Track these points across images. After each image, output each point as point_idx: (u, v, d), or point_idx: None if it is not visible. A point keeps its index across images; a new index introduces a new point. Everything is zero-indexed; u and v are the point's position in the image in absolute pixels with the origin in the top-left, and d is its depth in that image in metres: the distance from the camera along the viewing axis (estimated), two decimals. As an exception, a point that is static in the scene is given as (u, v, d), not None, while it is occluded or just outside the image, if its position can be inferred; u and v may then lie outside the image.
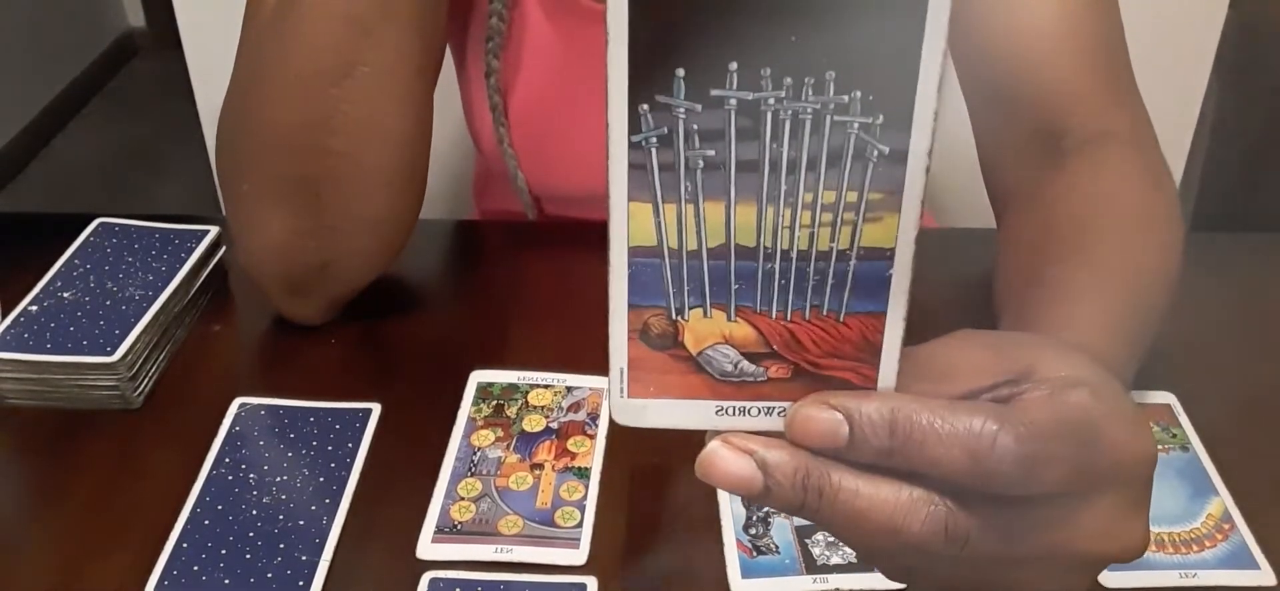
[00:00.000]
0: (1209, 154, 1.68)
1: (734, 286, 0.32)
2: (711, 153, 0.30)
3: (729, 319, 0.33)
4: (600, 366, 0.68)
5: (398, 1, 0.60)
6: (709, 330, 0.33)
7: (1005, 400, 0.34)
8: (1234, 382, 0.65)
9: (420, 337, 0.70)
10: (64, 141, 2.88)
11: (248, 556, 0.53)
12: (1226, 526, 0.55)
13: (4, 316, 0.64)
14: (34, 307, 0.65)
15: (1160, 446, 0.59)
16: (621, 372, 0.34)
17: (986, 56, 0.65)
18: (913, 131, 0.30)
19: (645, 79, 0.29)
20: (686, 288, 0.32)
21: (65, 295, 0.66)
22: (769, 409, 0.34)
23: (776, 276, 0.32)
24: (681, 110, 0.30)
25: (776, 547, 0.53)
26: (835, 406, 0.33)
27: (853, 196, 0.31)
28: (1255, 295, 0.74)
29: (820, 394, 0.33)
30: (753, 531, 0.54)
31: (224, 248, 0.72)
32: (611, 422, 0.60)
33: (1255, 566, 0.53)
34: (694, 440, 0.60)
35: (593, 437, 0.60)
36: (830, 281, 0.32)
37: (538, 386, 0.63)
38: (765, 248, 0.32)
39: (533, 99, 0.77)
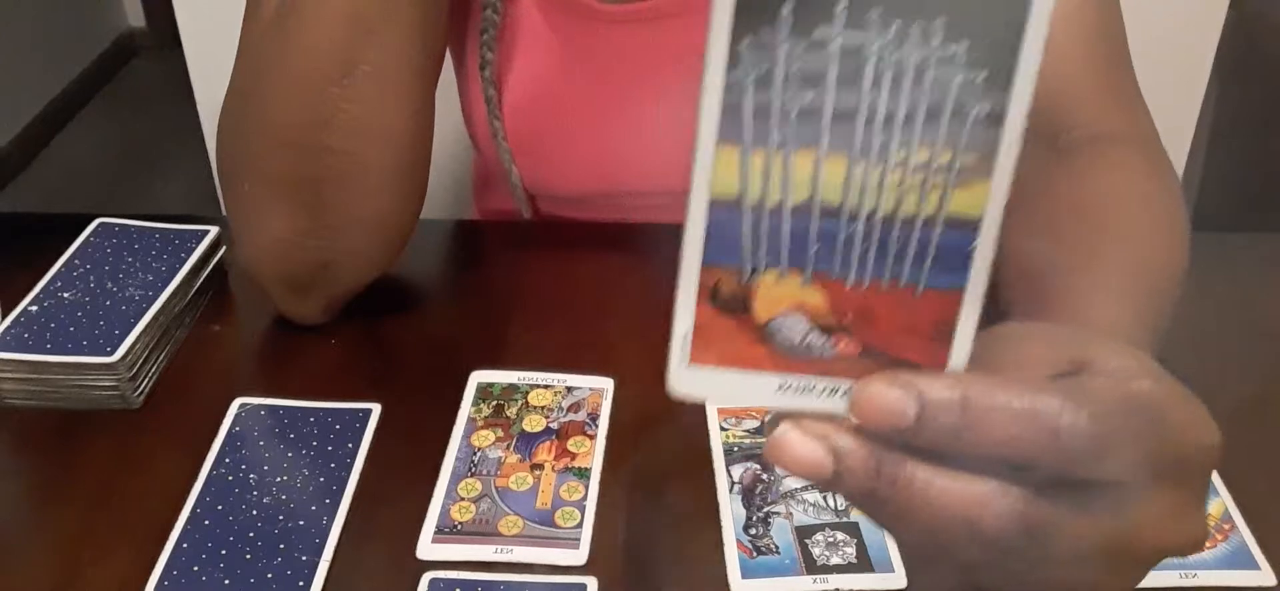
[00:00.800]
0: (1209, 154, 1.68)
1: (813, 248, 0.31)
2: (809, 97, 0.29)
3: (804, 283, 0.32)
4: (600, 367, 0.69)
5: (399, 1, 0.60)
6: (782, 294, 0.32)
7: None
8: (1234, 382, 0.65)
9: (420, 337, 0.70)
10: (64, 141, 2.88)
11: (248, 556, 0.53)
12: (1226, 526, 0.55)
13: (4, 316, 0.64)
14: (34, 307, 0.65)
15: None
16: (686, 337, 0.32)
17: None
18: (1014, 91, 0.29)
19: (752, 11, 0.28)
20: (764, 245, 0.31)
21: (65, 295, 0.66)
22: (834, 388, 0.33)
23: (858, 240, 0.31)
24: (784, 47, 0.28)
25: (776, 548, 0.53)
26: (904, 384, 0.32)
27: (946, 156, 0.30)
28: (1255, 295, 0.74)
29: (888, 372, 0.32)
30: (753, 531, 0.54)
31: (224, 248, 0.72)
32: (611, 423, 0.60)
33: (1255, 566, 0.53)
34: (694, 443, 0.60)
35: (593, 438, 0.60)
36: (913, 250, 0.31)
37: (538, 386, 0.63)
38: (851, 207, 0.31)
39: (527, 95, 0.77)
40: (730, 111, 0.29)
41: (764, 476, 0.57)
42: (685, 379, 0.33)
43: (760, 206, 0.31)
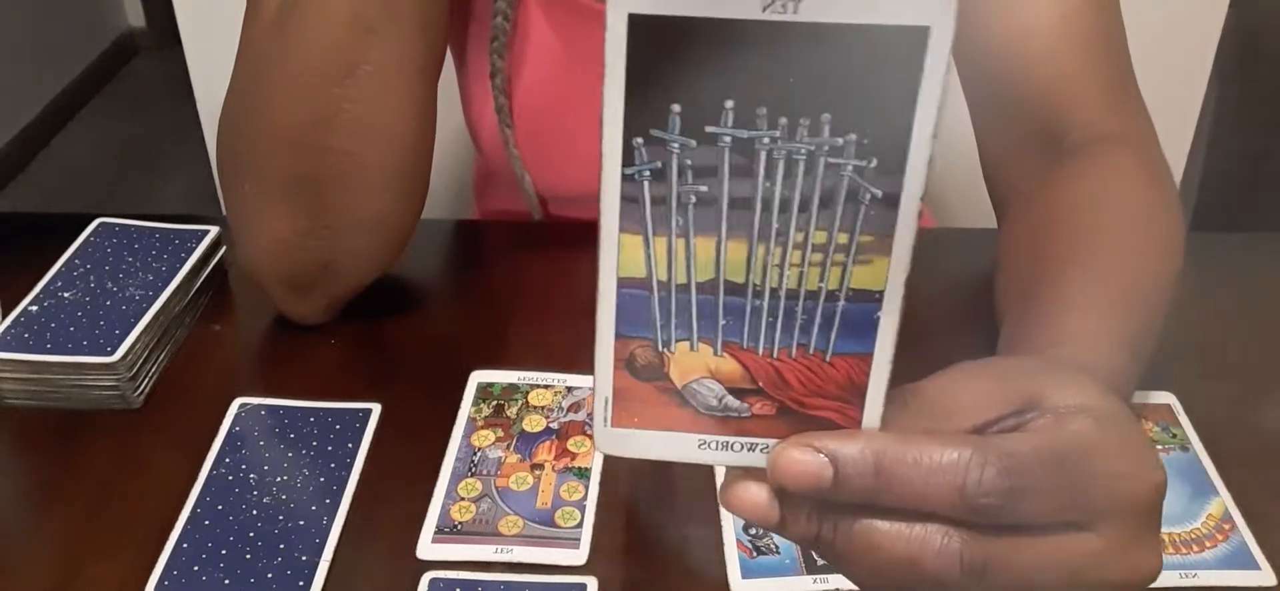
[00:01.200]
0: (1209, 154, 1.68)
1: (721, 322, 0.33)
2: (704, 188, 0.30)
3: (715, 353, 0.33)
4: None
5: (401, 1, 0.60)
6: (695, 363, 0.33)
7: (1010, 431, 0.34)
8: (1234, 382, 0.65)
9: (420, 337, 0.70)
10: (64, 141, 2.88)
11: (248, 556, 0.53)
12: (1226, 526, 0.55)
13: (4, 316, 0.64)
14: (34, 307, 0.65)
15: (1160, 446, 0.59)
16: (606, 402, 0.34)
17: (988, 57, 0.65)
18: (906, 176, 0.30)
19: (641, 112, 0.29)
20: (674, 320, 0.33)
21: (65, 295, 0.66)
22: (752, 445, 0.34)
23: (764, 314, 0.32)
24: (676, 145, 0.30)
25: (776, 548, 0.53)
26: (819, 448, 0.33)
27: (844, 238, 0.31)
28: (1255, 295, 0.74)
29: (804, 435, 0.33)
30: (753, 531, 0.54)
31: (224, 248, 0.72)
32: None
33: (1255, 566, 0.53)
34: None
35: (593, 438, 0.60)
36: (818, 321, 0.32)
37: (538, 386, 0.63)
38: (754, 285, 0.32)
39: (535, 98, 0.77)
40: (629, 202, 0.31)
41: None
42: (609, 439, 0.35)
43: (668, 285, 0.32)
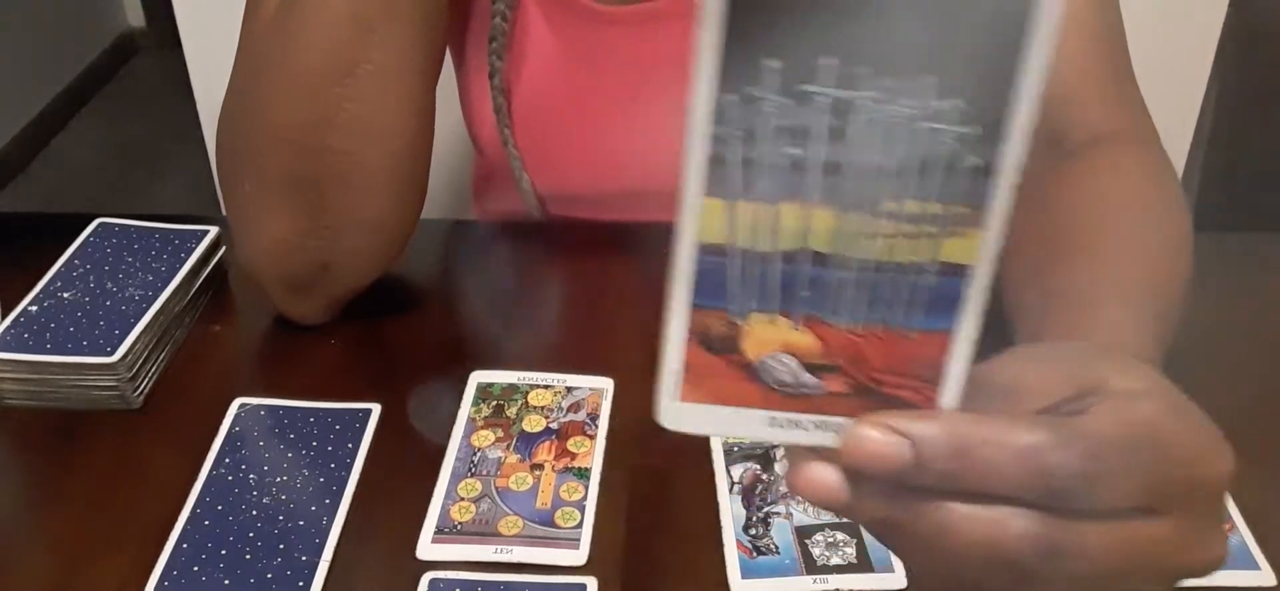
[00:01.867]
0: (1209, 154, 1.68)
1: (803, 294, 0.31)
2: (796, 151, 0.29)
3: (794, 327, 0.32)
4: (600, 367, 0.69)
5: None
6: (771, 336, 0.32)
7: (1075, 415, 0.34)
8: (1234, 383, 0.65)
9: (420, 337, 0.70)
10: (64, 141, 2.88)
11: (248, 556, 0.53)
12: (1227, 526, 0.55)
13: (4, 316, 0.64)
14: (34, 308, 0.65)
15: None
16: (675, 374, 0.32)
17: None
18: (1007, 145, 0.29)
19: (736, 67, 0.28)
20: (753, 290, 0.31)
21: (65, 295, 0.66)
22: (824, 424, 0.33)
23: (849, 286, 0.31)
24: (770, 104, 0.28)
25: (776, 548, 0.53)
26: (897, 428, 0.31)
27: (938, 209, 0.30)
28: (1255, 295, 0.74)
29: (878, 414, 0.32)
30: (753, 531, 0.54)
31: (224, 248, 0.72)
32: (611, 423, 0.60)
33: (1255, 566, 0.53)
34: (694, 443, 0.60)
35: (593, 438, 0.60)
36: (903, 295, 0.31)
37: (538, 386, 0.63)
38: (840, 255, 0.30)
39: (535, 99, 0.77)
40: (717, 164, 0.29)
41: (764, 476, 0.57)
42: (674, 414, 0.33)
43: (749, 254, 0.31)
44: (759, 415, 0.33)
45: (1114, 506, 0.33)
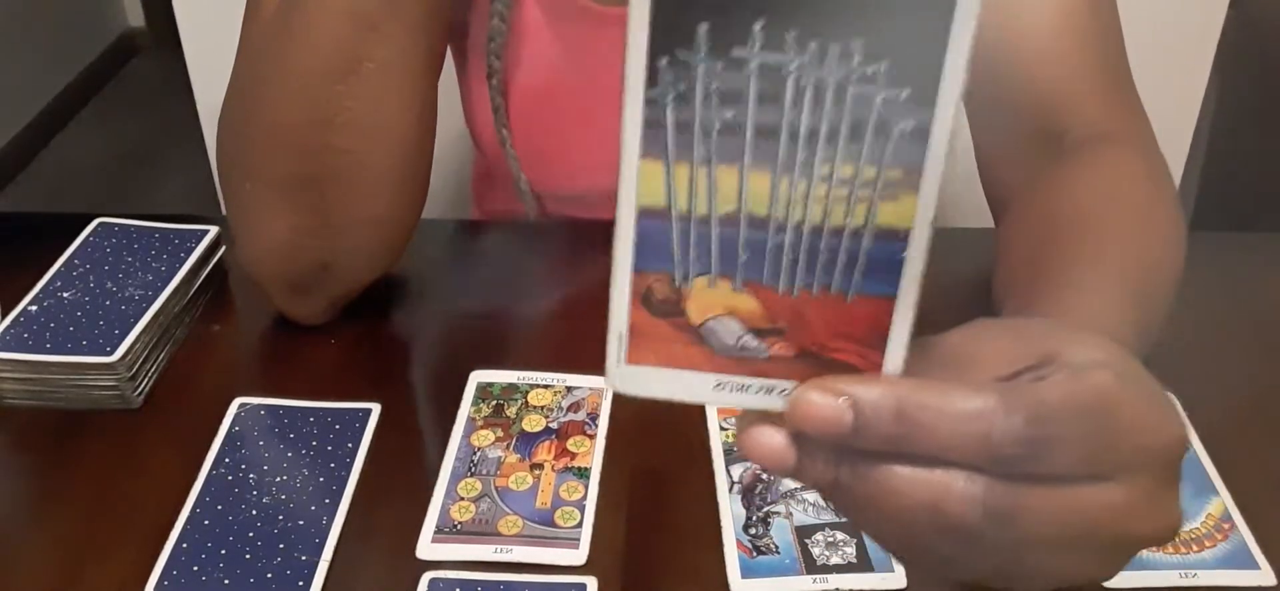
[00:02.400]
0: (1209, 154, 1.68)
1: (742, 257, 0.32)
2: (729, 115, 0.29)
3: (735, 289, 0.32)
4: (600, 367, 0.68)
5: None
6: (713, 300, 0.32)
7: (1026, 384, 0.34)
8: (1234, 383, 0.65)
9: (420, 337, 0.70)
10: (64, 141, 2.88)
11: (248, 556, 0.53)
12: (1226, 526, 0.55)
13: (4, 316, 0.64)
14: (34, 307, 0.65)
15: (1160, 446, 0.59)
16: (620, 337, 0.33)
17: (985, 58, 0.64)
18: (937, 108, 0.29)
19: (667, 31, 0.28)
20: (693, 254, 0.32)
21: (65, 295, 0.66)
22: (769, 387, 0.33)
23: (786, 249, 0.31)
24: (701, 67, 0.29)
25: (776, 548, 0.53)
26: (839, 391, 0.32)
27: (871, 172, 0.30)
28: (1255, 295, 0.74)
29: (823, 379, 0.32)
30: (753, 531, 0.54)
31: (224, 248, 0.72)
32: (611, 422, 0.60)
33: (1255, 566, 0.53)
34: (694, 443, 0.60)
35: (593, 437, 0.60)
36: (841, 260, 0.31)
37: (538, 386, 0.63)
38: (777, 218, 0.31)
39: (533, 99, 0.77)
40: (652, 126, 0.30)
41: (763, 476, 0.57)
42: (623, 376, 0.34)
43: (688, 217, 0.31)
44: (706, 379, 0.34)
45: (1061, 472, 0.33)
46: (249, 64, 0.64)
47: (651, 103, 0.29)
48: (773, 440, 0.33)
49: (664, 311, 0.33)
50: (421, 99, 0.64)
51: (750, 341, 0.33)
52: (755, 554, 0.53)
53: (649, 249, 0.32)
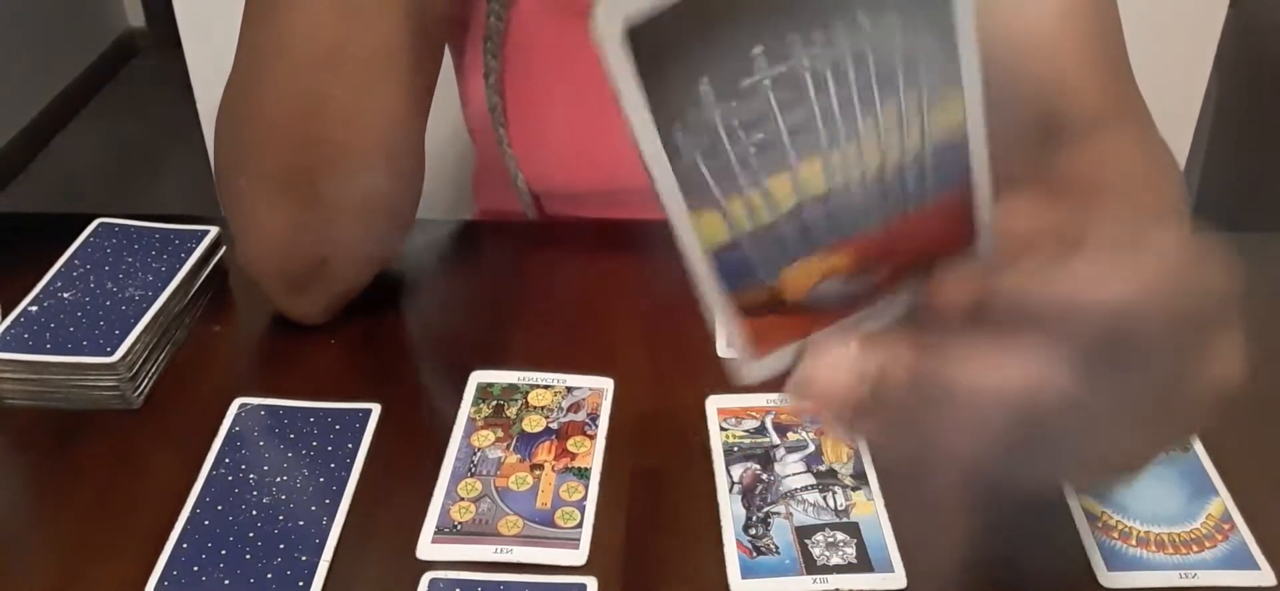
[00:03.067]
0: (1209, 154, 1.68)
1: (818, 233, 0.32)
2: (760, 136, 0.29)
3: (824, 258, 0.33)
4: (600, 367, 0.69)
5: None
6: (808, 273, 0.33)
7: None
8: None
9: (420, 337, 0.70)
10: (64, 141, 2.88)
11: (248, 556, 0.53)
12: (1226, 526, 0.55)
13: (4, 316, 0.64)
14: (34, 308, 0.65)
15: (1160, 446, 0.59)
16: (743, 345, 0.34)
17: (985, 51, 0.65)
18: (956, 11, 0.29)
19: (668, 103, 0.28)
20: (773, 254, 0.32)
21: (65, 295, 0.66)
22: (889, 303, 0.34)
23: (856, 204, 0.32)
24: (716, 114, 0.28)
25: (776, 548, 0.53)
26: (840, 363, 0.32)
27: (913, 97, 0.30)
28: (1255, 295, 0.73)
29: (830, 355, 0.33)
30: (753, 531, 0.54)
31: (224, 248, 0.72)
32: (611, 423, 0.60)
33: (1255, 566, 0.53)
34: (694, 443, 0.60)
35: (593, 438, 0.60)
36: (911, 182, 0.32)
37: (538, 386, 0.63)
38: (838, 184, 0.31)
39: (534, 98, 0.77)
40: (689, 184, 0.30)
41: (764, 476, 0.57)
42: (757, 370, 0.35)
43: (756, 233, 0.31)
44: (831, 330, 0.34)
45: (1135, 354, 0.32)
46: (240, 60, 0.64)
47: (682, 170, 0.29)
48: (839, 373, 0.33)
49: (768, 308, 0.33)
50: (408, 84, 0.64)
51: (854, 286, 0.33)
52: (755, 554, 0.53)
53: (731, 274, 0.32)
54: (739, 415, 0.61)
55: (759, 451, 0.58)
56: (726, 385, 0.62)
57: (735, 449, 0.59)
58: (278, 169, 0.62)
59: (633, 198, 0.78)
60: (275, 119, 0.61)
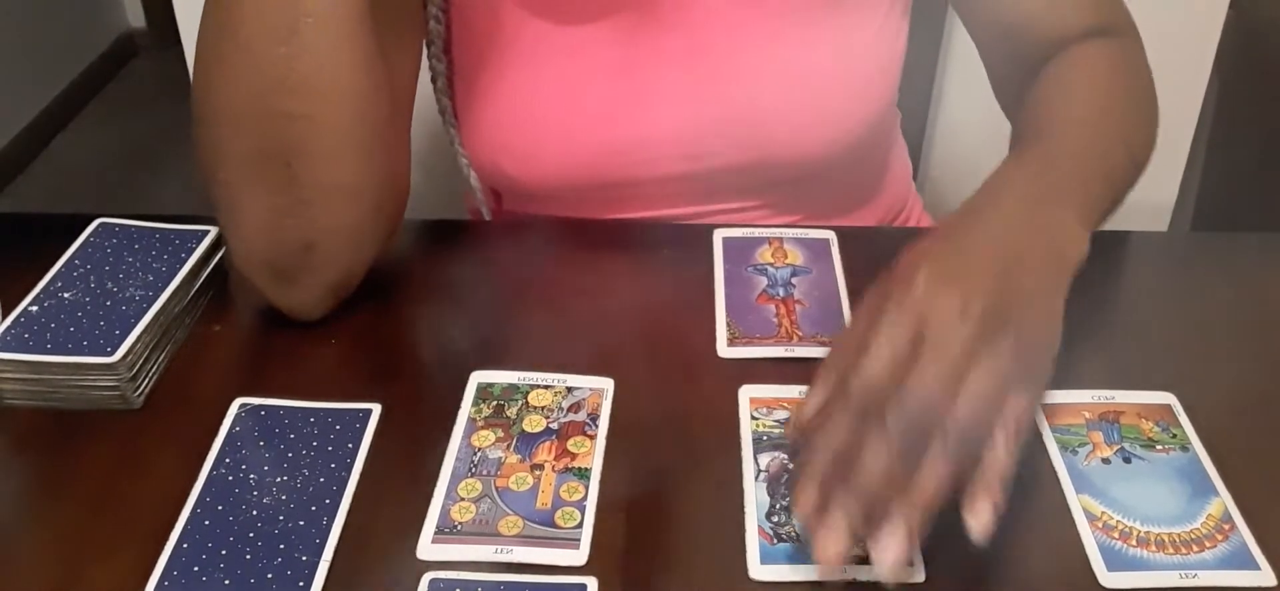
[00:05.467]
0: (1209, 154, 1.68)
1: None
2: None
3: None
4: (600, 367, 0.69)
5: None
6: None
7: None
8: (1234, 383, 0.65)
9: (420, 337, 0.70)
10: (64, 142, 2.88)
11: (248, 556, 0.53)
12: (1226, 526, 0.55)
13: (4, 316, 0.64)
14: (34, 308, 0.65)
15: (1160, 446, 0.59)
16: None
17: (995, 13, 0.77)
18: None
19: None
20: None
21: (65, 295, 0.66)
22: None
23: None
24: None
25: (797, 535, 0.53)
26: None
27: None
28: (1255, 295, 0.74)
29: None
30: (775, 519, 0.54)
31: (224, 248, 0.72)
32: (611, 423, 0.61)
33: (1255, 566, 0.53)
34: (694, 444, 0.60)
35: (593, 438, 0.60)
36: None
37: (538, 387, 0.63)
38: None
39: (512, 95, 0.77)
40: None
41: (790, 466, 0.57)
42: None
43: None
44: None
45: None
46: (202, 49, 0.65)
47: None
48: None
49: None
50: (363, 50, 0.64)
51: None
52: (776, 541, 0.53)
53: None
54: (771, 405, 0.61)
55: (788, 442, 0.58)
56: (726, 385, 0.62)
57: (764, 438, 0.59)
58: (251, 152, 0.63)
59: (590, 193, 0.79)
60: (239, 100, 0.62)
